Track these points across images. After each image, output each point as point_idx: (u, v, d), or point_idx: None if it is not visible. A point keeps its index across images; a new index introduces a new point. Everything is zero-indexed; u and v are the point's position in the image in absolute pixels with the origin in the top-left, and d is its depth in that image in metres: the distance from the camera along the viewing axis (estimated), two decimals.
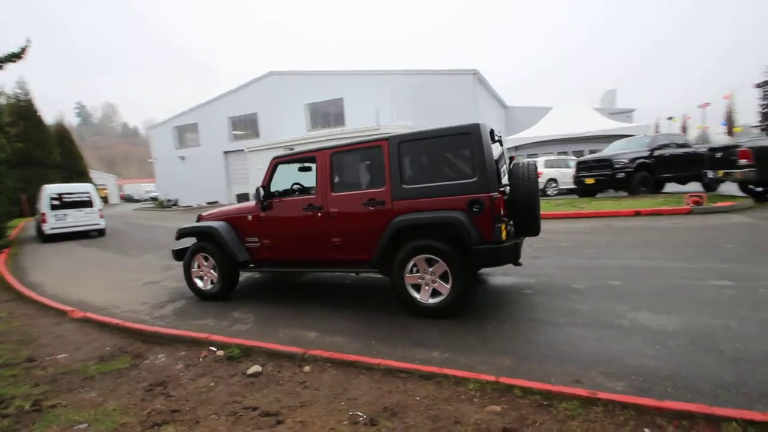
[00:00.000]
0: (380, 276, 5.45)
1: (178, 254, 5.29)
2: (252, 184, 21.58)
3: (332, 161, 4.29)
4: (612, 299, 3.95)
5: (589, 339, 3.10)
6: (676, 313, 3.45)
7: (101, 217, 13.68)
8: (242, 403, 2.44)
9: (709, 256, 5.30)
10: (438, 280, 3.77)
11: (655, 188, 12.40)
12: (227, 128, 27.62)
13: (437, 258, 3.72)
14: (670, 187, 13.34)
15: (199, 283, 5.11)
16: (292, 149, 20.47)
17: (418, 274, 3.84)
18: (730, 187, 11.52)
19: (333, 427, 2.11)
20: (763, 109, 37.45)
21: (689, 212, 8.57)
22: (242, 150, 24.69)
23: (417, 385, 2.43)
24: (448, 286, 3.70)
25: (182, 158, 29.45)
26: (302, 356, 2.92)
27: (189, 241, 5.37)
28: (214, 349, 3.29)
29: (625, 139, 15.16)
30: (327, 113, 24.16)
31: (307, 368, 2.79)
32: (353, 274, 5.53)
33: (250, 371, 2.85)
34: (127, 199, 53.93)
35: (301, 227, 4.45)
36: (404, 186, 3.88)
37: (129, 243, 11.57)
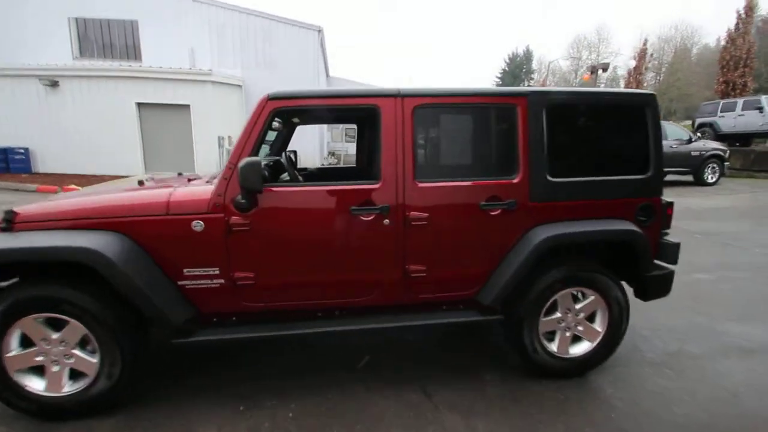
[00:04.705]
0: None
1: None
2: None
3: (415, 120, 2.27)
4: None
5: (734, 369, 2.59)
6: (708, 314, 3.38)
7: None
8: None
9: None
10: (585, 322, 2.53)
11: None
12: None
13: (590, 291, 2.47)
14: None
15: (35, 385, 2.11)
16: (55, 83, 13.55)
17: (557, 315, 2.49)
18: None
19: None
20: None
21: None
22: None
23: None
24: (601, 330, 2.52)
25: None
26: None
27: None
28: None
29: None
30: (110, 40, 17.01)
31: None
32: None
33: None
34: None
35: (344, 245, 2.27)
36: (550, 178, 2.38)
37: None
